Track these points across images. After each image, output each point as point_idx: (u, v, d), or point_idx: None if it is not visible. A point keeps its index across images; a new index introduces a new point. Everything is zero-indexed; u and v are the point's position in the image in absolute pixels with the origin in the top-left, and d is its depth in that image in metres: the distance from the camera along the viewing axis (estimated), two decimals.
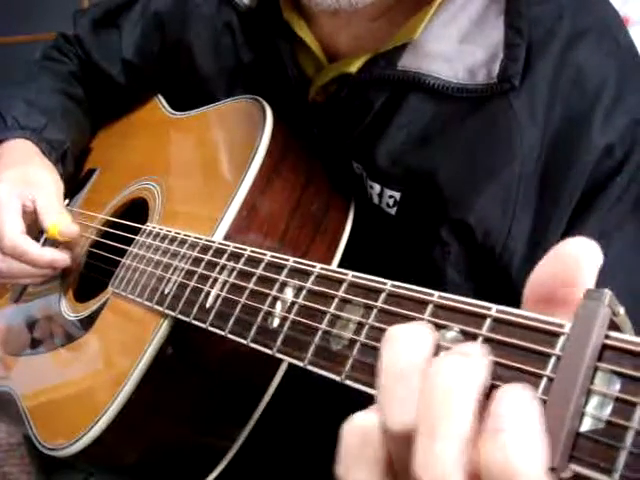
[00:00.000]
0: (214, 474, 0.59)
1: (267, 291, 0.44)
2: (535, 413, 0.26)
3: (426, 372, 0.29)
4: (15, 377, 0.73)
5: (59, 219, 0.72)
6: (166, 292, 0.55)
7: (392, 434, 0.29)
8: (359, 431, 0.30)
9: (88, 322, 0.66)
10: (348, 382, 0.36)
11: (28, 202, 0.73)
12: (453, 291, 0.35)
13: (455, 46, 0.56)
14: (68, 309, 0.72)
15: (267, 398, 0.57)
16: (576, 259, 0.28)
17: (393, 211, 0.62)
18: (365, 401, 0.32)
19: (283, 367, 0.57)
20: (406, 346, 0.30)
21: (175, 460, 0.59)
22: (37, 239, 0.75)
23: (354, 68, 0.61)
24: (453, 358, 0.28)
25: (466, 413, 0.27)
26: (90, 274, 0.75)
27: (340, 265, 0.61)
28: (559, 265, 0.28)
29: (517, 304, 0.35)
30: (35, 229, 0.75)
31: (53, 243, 0.75)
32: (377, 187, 0.62)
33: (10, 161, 0.77)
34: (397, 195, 0.61)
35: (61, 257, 0.72)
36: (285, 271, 0.44)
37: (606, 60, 0.55)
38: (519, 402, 0.26)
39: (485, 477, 0.26)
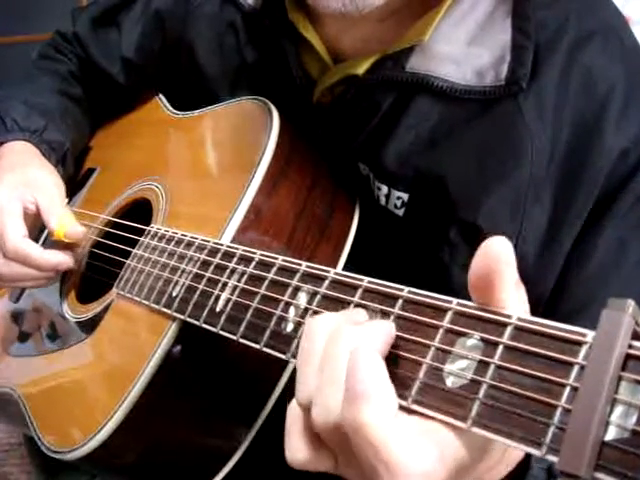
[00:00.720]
0: (220, 476, 0.59)
1: (279, 296, 0.44)
2: (377, 371, 0.32)
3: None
4: (16, 378, 0.73)
5: (64, 220, 0.72)
6: (174, 295, 0.54)
7: (302, 407, 0.36)
8: (290, 412, 0.37)
9: (92, 324, 0.66)
10: None
11: (29, 205, 0.73)
12: (459, 293, 0.35)
13: (463, 48, 0.56)
14: (70, 310, 0.72)
15: (274, 400, 0.57)
16: (494, 254, 0.32)
17: (401, 212, 0.62)
18: None
19: (290, 368, 0.57)
20: (311, 335, 0.37)
21: (181, 462, 0.59)
22: (36, 240, 0.75)
23: (361, 70, 0.61)
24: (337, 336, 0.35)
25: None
26: (92, 275, 0.75)
27: (347, 267, 0.61)
28: (485, 259, 0.33)
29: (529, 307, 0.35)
30: (35, 231, 0.75)
31: (53, 244, 0.74)
32: (385, 188, 0.63)
33: (10, 164, 0.76)
34: (405, 196, 0.61)
35: (65, 260, 0.72)
36: (298, 276, 0.44)
37: (613, 63, 0.55)
38: (365, 363, 0.32)
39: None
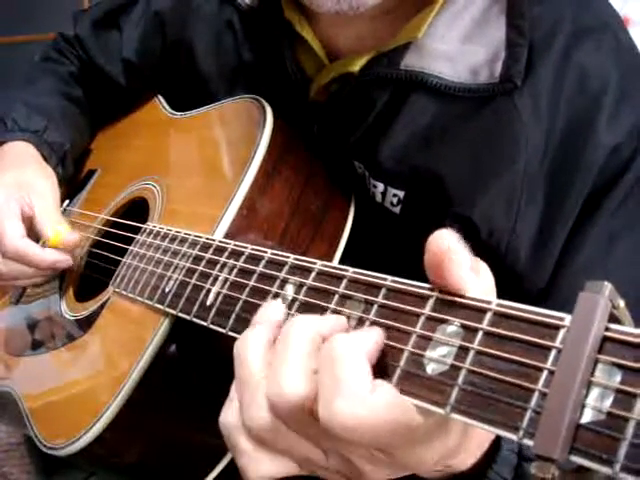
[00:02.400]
0: (214, 473, 0.59)
1: (268, 288, 0.44)
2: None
3: None
4: (16, 377, 0.73)
5: (60, 228, 0.72)
6: (167, 290, 0.55)
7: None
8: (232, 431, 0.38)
9: (88, 322, 0.66)
10: None
11: (26, 207, 0.73)
12: None
13: (457, 46, 0.56)
14: (68, 309, 0.72)
15: None
16: (439, 250, 0.33)
17: (397, 210, 0.62)
18: None
19: None
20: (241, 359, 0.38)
21: (175, 459, 0.59)
22: (36, 241, 0.75)
23: (356, 67, 0.61)
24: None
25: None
26: (91, 274, 0.75)
27: (343, 264, 0.61)
28: (433, 253, 0.33)
29: (521, 302, 0.35)
30: (33, 232, 0.75)
31: None
32: (380, 186, 0.63)
33: (8, 165, 0.76)
34: (401, 194, 0.61)
35: (63, 258, 0.72)
36: (286, 268, 0.44)
37: (608, 60, 0.55)
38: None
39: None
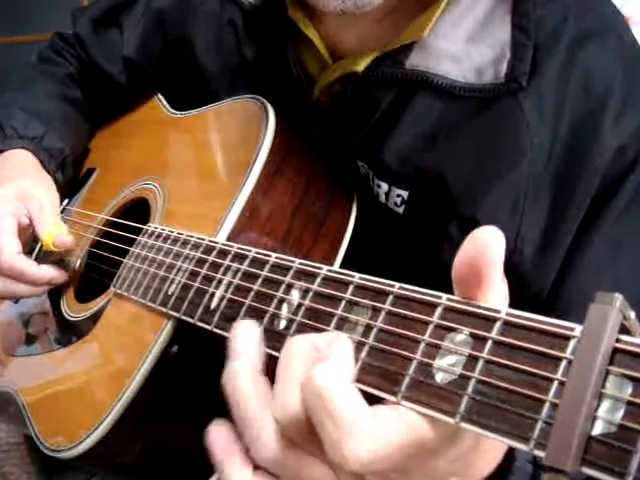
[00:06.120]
0: (217, 475, 0.59)
1: (273, 293, 0.44)
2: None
3: None
4: (16, 377, 0.73)
5: (53, 230, 0.71)
6: (170, 293, 0.54)
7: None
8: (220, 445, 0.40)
9: (90, 323, 0.66)
10: (356, 384, 0.36)
11: (24, 218, 0.72)
12: None
13: (462, 46, 0.56)
14: (69, 310, 0.72)
15: None
16: (485, 241, 0.31)
17: (401, 210, 0.62)
18: (373, 399, 0.33)
19: None
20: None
21: (178, 461, 0.59)
22: (32, 251, 0.74)
23: (360, 67, 0.61)
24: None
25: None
26: (91, 274, 0.75)
27: (346, 265, 0.61)
28: (473, 247, 0.32)
29: (525, 305, 0.35)
30: (30, 242, 0.74)
31: (47, 254, 0.74)
32: (385, 186, 0.63)
33: (6, 175, 0.75)
34: (405, 194, 0.61)
35: (58, 275, 0.72)
36: (291, 273, 0.44)
37: (612, 61, 0.56)
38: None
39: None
